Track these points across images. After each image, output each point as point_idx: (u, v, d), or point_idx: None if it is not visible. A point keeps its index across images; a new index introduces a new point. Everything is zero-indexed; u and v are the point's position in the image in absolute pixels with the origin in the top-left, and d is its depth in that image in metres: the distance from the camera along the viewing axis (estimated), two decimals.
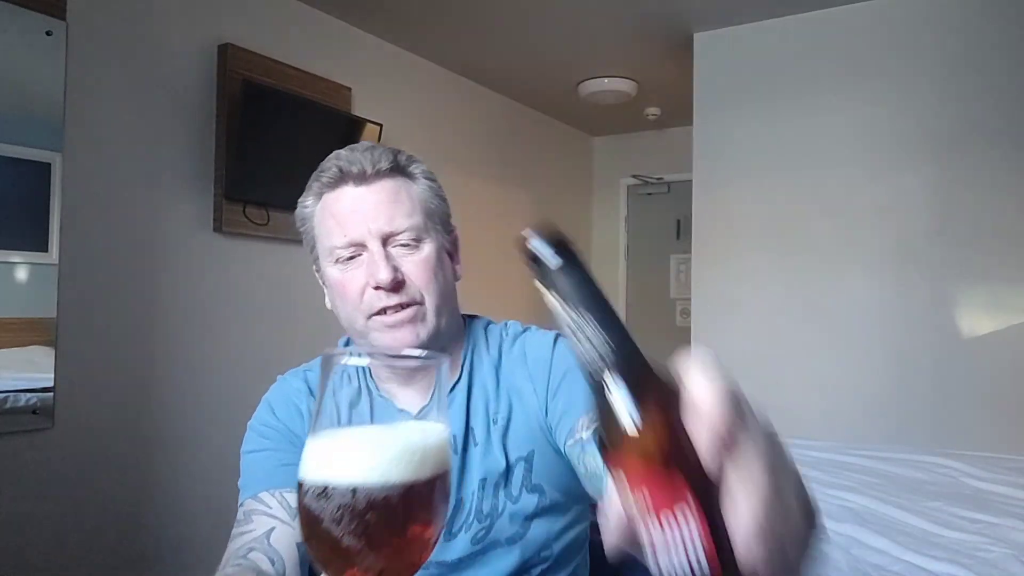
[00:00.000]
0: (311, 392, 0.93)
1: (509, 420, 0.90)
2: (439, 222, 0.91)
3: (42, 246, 2.08)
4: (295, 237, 3.34)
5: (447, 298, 0.89)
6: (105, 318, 2.23)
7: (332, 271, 0.87)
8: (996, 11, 2.68)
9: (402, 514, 0.43)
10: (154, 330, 2.37)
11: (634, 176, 5.04)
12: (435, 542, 0.46)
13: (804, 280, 3.01)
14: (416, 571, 0.45)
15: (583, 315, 0.37)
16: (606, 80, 3.86)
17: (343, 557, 0.43)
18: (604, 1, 2.93)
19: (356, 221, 0.84)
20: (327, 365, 0.47)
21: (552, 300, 0.38)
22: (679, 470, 0.33)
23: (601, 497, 0.63)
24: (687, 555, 0.33)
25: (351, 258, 0.85)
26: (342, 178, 0.86)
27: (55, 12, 2.07)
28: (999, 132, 2.66)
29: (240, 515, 0.89)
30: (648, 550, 0.34)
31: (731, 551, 0.32)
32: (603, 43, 3.40)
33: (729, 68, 3.19)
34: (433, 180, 0.93)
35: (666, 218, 4.93)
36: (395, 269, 0.84)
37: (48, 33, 2.06)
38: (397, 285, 0.83)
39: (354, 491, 0.42)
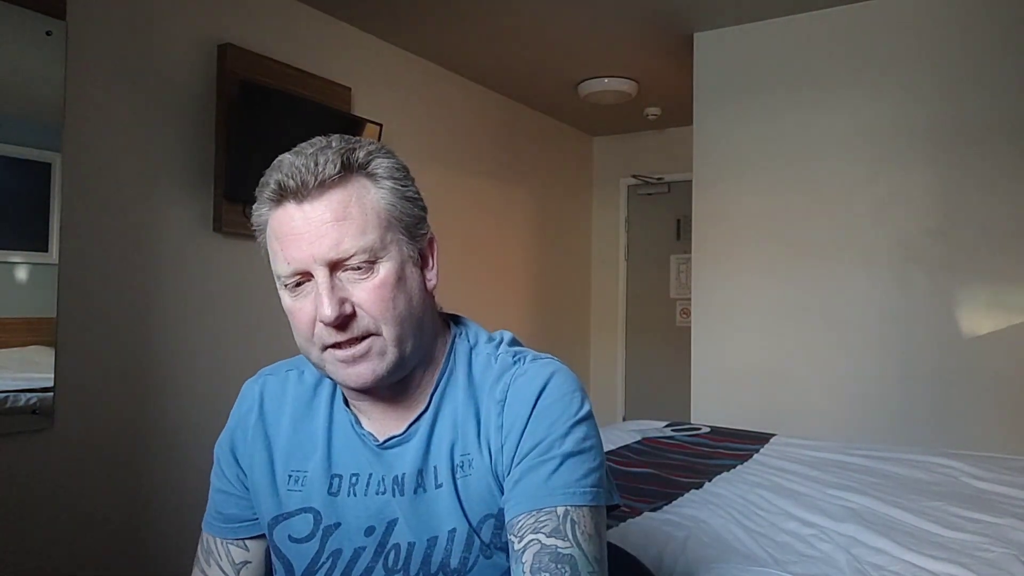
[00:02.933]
0: (262, 404, 0.90)
1: (479, 470, 0.80)
2: (404, 230, 0.78)
3: (42, 246, 2.08)
4: None
5: (411, 322, 0.77)
6: (105, 318, 2.23)
7: (283, 296, 0.77)
8: (998, 9, 2.68)
9: None
10: (154, 330, 2.37)
11: (634, 176, 5.04)
12: None
13: (804, 279, 3.01)
14: None
15: None
16: (606, 80, 3.86)
17: None
18: (604, 1, 2.93)
19: (299, 246, 0.73)
20: None
21: None
22: None
23: None
24: None
25: (299, 285, 0.75)
26: (282, 194, 0.74)
27: (55, 12, 2.06)
28: (1000, 130, 2.66)
29: (203, 545, 0.93)
30: None
31: None
32: (603, 43, 3.40)
33: (729, 68, 3.19)
34: (399, 177, 0.79)
35: (666, 218, 4.93)
36: (342, 302, 0.73)
37: (48, 33, 2.06)
38: (345, 321, 0.74)
39: None
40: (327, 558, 0.82)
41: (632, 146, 5.09)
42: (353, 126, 2.94)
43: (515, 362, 0.83)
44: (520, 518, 0.74)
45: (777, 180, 3.08)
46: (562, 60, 3.63)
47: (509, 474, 0.78)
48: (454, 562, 0.79)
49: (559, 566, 0.70)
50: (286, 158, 0.76)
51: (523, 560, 0.71)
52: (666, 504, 1.65)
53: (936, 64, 2.78)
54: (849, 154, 2.93)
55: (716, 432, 2.53)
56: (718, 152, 3.21)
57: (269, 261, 0.80)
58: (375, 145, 0.80)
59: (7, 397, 1.99)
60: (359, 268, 0.74)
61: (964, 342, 2.70)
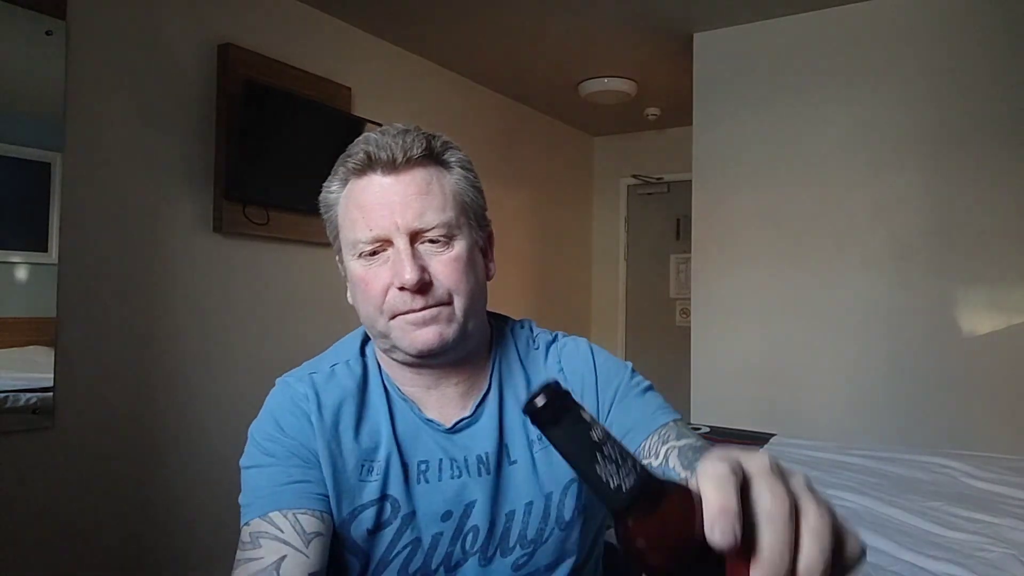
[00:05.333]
0: (319, 397, 0.84)
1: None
2: (473, 216, 0.85)
3: (42, 246, 2.08)
4: (295, 237, 3.32)
5: (476, 300, 0.82)
6: (105, 318, 2.23)
7: (354, 266, 0.80)
8: (995, 11, 2.68)
9: None
10: (154, 330, 2.37)
11: (634, 176, 5.05)
12: None
13: (803, 279, 3.01)
14: None
15: (597, 459, 0.40)
16: (606, 80, 3.86)
17: None
18: (604, 1, 2.93)
19: (383, 214, 0.78)
20: None
21: (561, 449, 0.40)
22: None
23: None
24: None
25: (375, 253, 0.79)
26: (370, 165, 0.80)
27: (55, 12, 2.07)
28: (997, 131, 2.66)
29: (245, 536, 0.78)
30: None
31: None
32: (603, 43, 3.40)
33: (729, 68, 3.19)
34: (469, 170, 0.86)
35: (666, 218, 4.93)
36: (422, 269, 0.77)
37: (48, 33, 2.06)
38: (424, 287, 0.77)
39: None
40: (404, 547, 0.82)
41: (632, 146, 5.09)
42: (353, 126, 2.93)
43: (554, 339, 0.93)
44: (644, 443, 0.81)
45: (776, 179, 3.08)
46: (562, 60, 3.63)
47: (605, 419, 0.85)
48: (530, 534, 0.83)
49: (703, 453, 0.73)
50: (371, 135, 0.82)
51: (671, 464, 0.76)
52: None
53: (934, 64, 2.78)
54: (848, 154, 2.93)
55: (716, 432, 2.53)
56: (718, 152, 3.22)
57: (335, 236, 0.85)
58: (448, 137, 0.87)
59: (7, 397, 1.99)
60: (437, 241, 0.79)
61: (962, 342, 2.70)
